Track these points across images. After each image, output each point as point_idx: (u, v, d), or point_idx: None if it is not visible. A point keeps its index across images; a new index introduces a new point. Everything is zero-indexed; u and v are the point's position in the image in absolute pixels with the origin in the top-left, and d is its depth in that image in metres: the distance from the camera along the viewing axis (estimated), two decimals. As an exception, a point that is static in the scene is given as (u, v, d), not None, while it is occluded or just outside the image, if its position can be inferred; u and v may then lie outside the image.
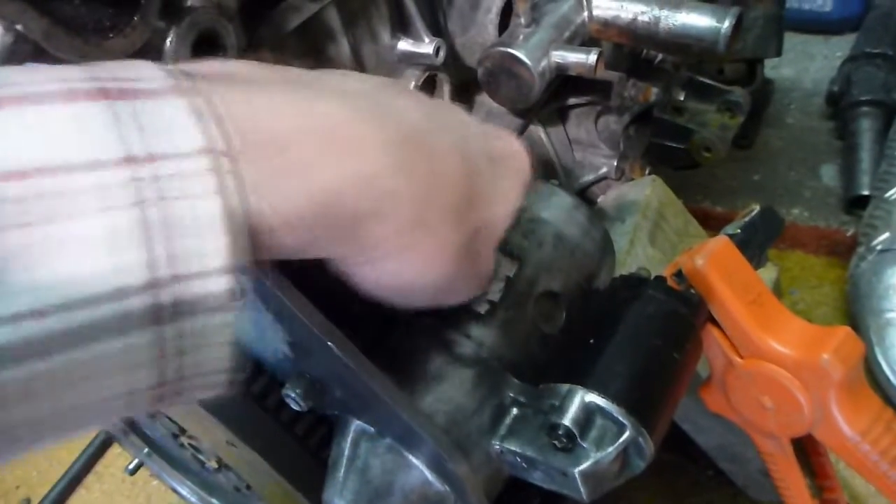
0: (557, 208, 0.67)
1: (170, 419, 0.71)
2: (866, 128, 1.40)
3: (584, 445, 0.52)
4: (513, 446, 0.54)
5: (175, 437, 0.78)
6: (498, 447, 0.55)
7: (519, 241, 0.64)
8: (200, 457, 0.78)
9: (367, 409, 0.52)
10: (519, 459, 0.55)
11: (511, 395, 0.56)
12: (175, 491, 0.97)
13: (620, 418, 0.52)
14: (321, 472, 0.57)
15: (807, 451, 0.68)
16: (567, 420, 0.52)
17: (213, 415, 0.56)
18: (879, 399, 0.61)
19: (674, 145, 1.03)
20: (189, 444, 0.77)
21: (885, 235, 1.11)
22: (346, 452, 0.55)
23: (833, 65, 1.60)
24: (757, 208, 0.72)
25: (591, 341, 0.57)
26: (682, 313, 0.58)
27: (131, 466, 0.93)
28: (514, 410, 0.56)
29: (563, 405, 0.53)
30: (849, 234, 1.31)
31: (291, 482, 0.58)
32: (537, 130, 0.90)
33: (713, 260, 0.62)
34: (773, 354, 0.60)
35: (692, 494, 1.06)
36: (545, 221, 0.66)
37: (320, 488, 0.57)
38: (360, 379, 0.49)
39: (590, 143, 0.97)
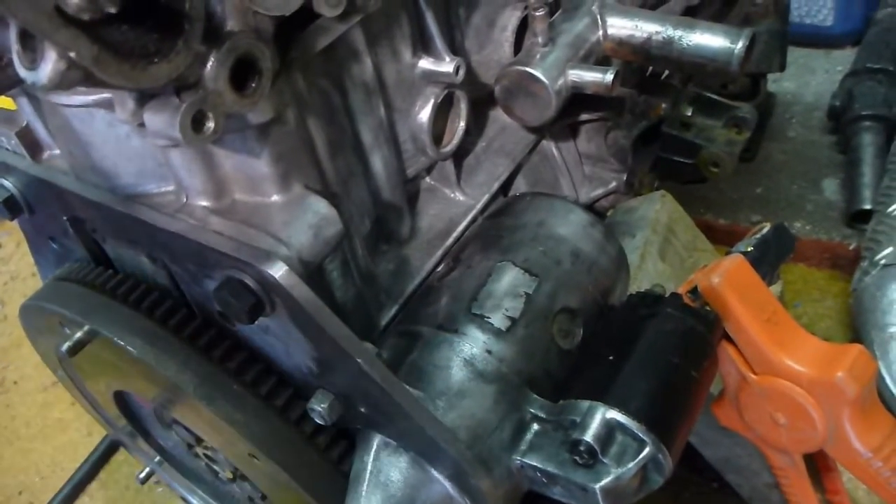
0: (574, 225, 0.69)
1: (187, 429, 0.72)
2: (868, 142, 1.42)
3: (605, 461, 0.53)
4: (534, 461, 0.55)
5: (190, 447, 0.78)
6: (519, 462, 0.56)
7: (537, 258, 0.65)
8: (215, 467, 0.79)
9: (390, 423, 0.53)
10: (539, 475, 0.56)
11: (531, 410, 0.57)
12: (185, 500, 0.98)
13: (641, 435, 0.53)
14: (342, 484, 0.58)
15: (817, 466, 0.69)
16: (589, 437, 0.53)
17: (235, 428, 0.57)
18: (891, 416, 0.62)
19: (682, 160, 1.04)
20: (204, 455, 0.78)
21: (889, 250, 1.12)
22: (369, 466, 0.56)
23: (834, 79, 1.62)
24: (768, 226, 0.73)
25: (611, 358, 0.57)
26: (699, 331, 0.59)
27: (142, 475, 0.94)
28: (535, 426, 0.57)
29: (585, 421, 0.53)
30: (851, 247, 1.33)
31: (312, 495, 0.58)
32: (549, 145, 0.91)
33: (728, 278, 0.63)
34: (787, 372, 0.61)
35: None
36: (562, 238, 0.67)
37: (341, 501, 0.58)
38: (385, 394, 0.50)
39: (599, 157, 0.98)
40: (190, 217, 0.52)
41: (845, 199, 1.43)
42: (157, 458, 0.91)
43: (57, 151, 0.61)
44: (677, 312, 0.59)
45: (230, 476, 0.77)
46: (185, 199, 0.53)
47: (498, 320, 0.60)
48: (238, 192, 0.53)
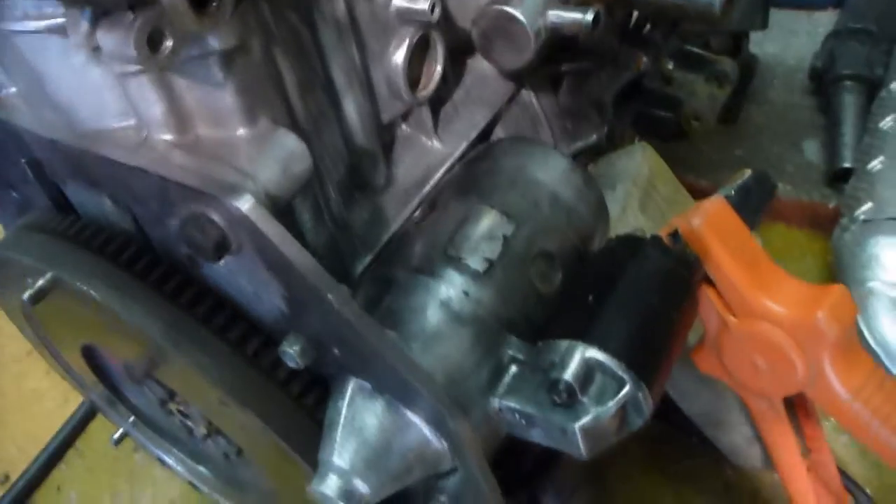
0: (553, 170, 0.67)
1: (159, 383, 0.70)
2: (849, 102, 1.41)
3: (584, 401, 0.52)
4: (512, 403, 0.54)
5: (163, 403, 0.76)
6: (497, 405, 0.55)
7: (515, 202, 0.64)
8: (189, 423, 0.77)
9: (365, 366, 0.51)
10: (518, 417, 0.55)
11: (510, 353, 0.56)
12: (161, 461, 0.96)
13: (620, 373, 0.52)
14: (317, 432, 0.57)
15: (797, 412, 0.69)
16: (567, 375, 0.51)
17: (205, 374, 0.55)
18: (871, 358, 0.61)
19: (663, 114, 1.03)
20: (178, 411, 0.76)
21: (868, 206, 1.12)
22: (344, 412, 0.54)
23: (816, 41, 1.60)
24: (749, 172, 0.72)
25: (590, 299, 0.56)
26: (679, 272, 0.58)
27: (116, 436, 0.92)
28: (513, 368, 0.56)
29: (564, 361, 0.52)
30: (831, 206, 1.32)
31: (287, 442, 0.57)
32: (529, 96, 0.89)
33: (709, 220, 0.62)
34: (767, 313, 0.61)
35: (676, 461, 1.07)
36: (541, 183, 0.66)
37: (316, 449, 0.57)
38: (358, 335, 0.48)
39: (579, 110, 0.96)
40: (152, 152, 0.50)
41: (826, 160, 1.43)
42: (132, 418, 0.89)
43: (13, 90, 0.58)
44: (657, 254, 0.58)
45: (204, 432, 0.75)
46: (146, 134, 0.51)
47: (475, 262, 0.59)
48: (202, 127, 0.51)
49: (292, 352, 0.52)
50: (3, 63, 0.56)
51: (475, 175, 0.67)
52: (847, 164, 1.32)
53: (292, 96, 0.54)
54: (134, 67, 0.46)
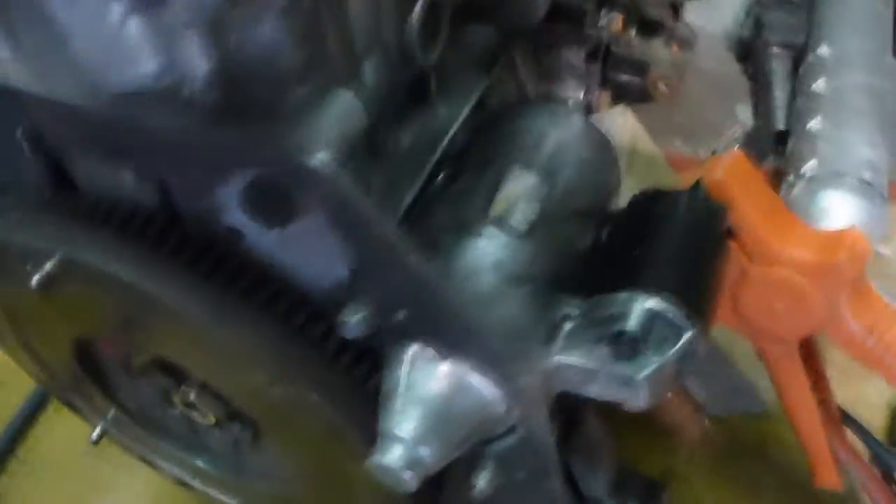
0: (576, 129, 0.67)
1: (170, 372, 0.66)
2: (778, 68, 1.49)
3: (647, 351, 0.53)
4: (572, 360, 0.54)
5: (165, 394, 0.72)
6: (555, 363, 0.55)
7: (545, 162, 0.63)
8: (193, 415, 0.73)
9: (435, 329, 0.50)
10: (576, 374, 0.55)
11: (563, 310, 0.56)
12: (144, 459, 0.91)
13: (680, 322, 0.53)
14: (370, 405, 0.55)
15: (803, 355, 0.73)
16: (632, 326, 0.52)
17: (254, 353, 0.52)
18: (881, 296, 0.65)
19: (630, 79, 1.05)
20: (182, 402, 0.72)
21: (812, 163, 1.19)
22: (404, 380, 0.53)
23: (737, 10, 1.69)
24: (739, 128, 0.75)
25: (635, 252, 0.57)
26: (715, 222, 0.60)
27: (94, 435, 0.85)
28: (567, 325, 0.56)
29: (625, 313, 0.53)
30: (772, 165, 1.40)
31: (342, 418, 0.55)
32: (515, 60, 0.89)
33: (732, 172, 0.64)
34: (789, 259, 0.63)
35: (657, 415, 1.11)
36: (567, 142, 0.66)
37: (369, 421, 0.55)
38: (435, 295, 0.47)
39: (556, 75, 0.97)
40: (201, 115, 0.46)
41: (759, 123, 1.51)
42: (111, 414, 0.83)
43: (6, 54, 0.52)
44: (694, 205, 0.60)
45: (213, 421, 0.71)
46: (189, 94, 0.47)
47: (518, 223, 0.58)
48: (252, 84, 0.47)
49: (354, 321, 0.50)
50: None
51: (498, 138, 0.66)
52: (782, 127, 1.39)
53: (338, 56, 0.51)
54: (185, 20, 0.43)
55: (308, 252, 0.50)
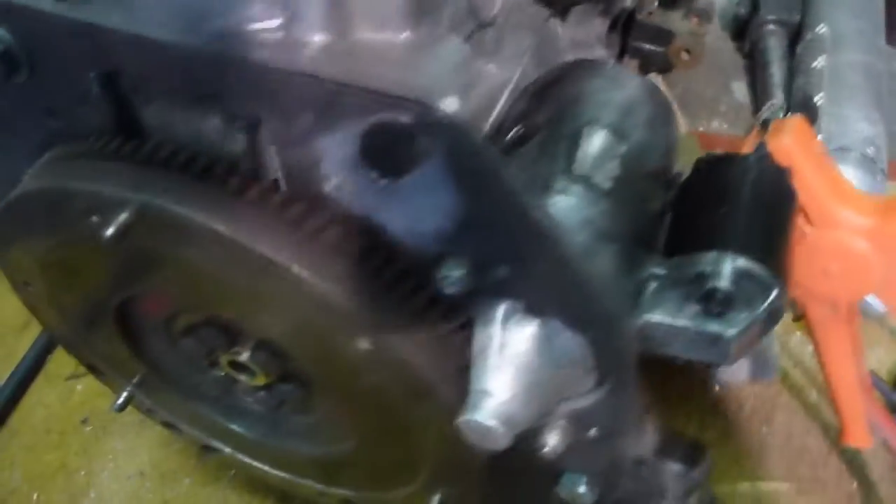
0: (640, 89, 0.67)
1: (224, 330, 0.63)
2: (775, 46, 1.52)
3: (736, 309, 0.53)
4: (660, 318, 0.54)
5: (210, 353, 0.69)
6: (643, 321, 0.55)
7: (617, 122, 0.63)
8: (239, 376, 0.71)
9: (535, 284, 0.49)
10: (664, 332, 0.55)
11: (648, 269, 0.56)
12: (167, 425, 0.88)
13: (767, 279, 0.54)
14: (455, 362, 0.54)
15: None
16: (724, 284, 0.52)
17: (345, 308, 0.51)
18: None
19: (653, 48, 1.06)
20: (229, 363, 0.69)
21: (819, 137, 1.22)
22: (497, 337, 0.52)
23: (731, -11, 1.71)
24: (776, 100, 0.76)
25: (718, 211, 0.57)
26: (787, 183, 0.61)
27: (121, 402, 0.82)
28: (652, 284, 0.56)
29: (715, 271, 0.53)
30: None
31: (430, 377, 0.54)
32: (555, 24, 0.88)
33: (796, 136, 0.64)
34: (849, 223, 0.65)
35: (663, 383, 1.13)
36: (634, 102, 0.66)
37: (454, 379, 0.54)
38: (550, 246, 0.46)
39: (585, 42, 0.96)
40: (315, 56, 0.44)
41: (754, 99, 1.53)
42: (138, 378, 0.80)
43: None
44: (767, 167, 0.60)
45: (261, 382, 0.70)
46: (296, 36, 0.45)
47: (601, 181, 0.58)
48: (363, 29, 0.45)
49: (456, 276, 0.49)
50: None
51: (565, 98, 0.65)
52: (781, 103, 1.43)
53: (441, 3, 0.49)
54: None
55: (408, 205, 0.48)
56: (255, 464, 0.85)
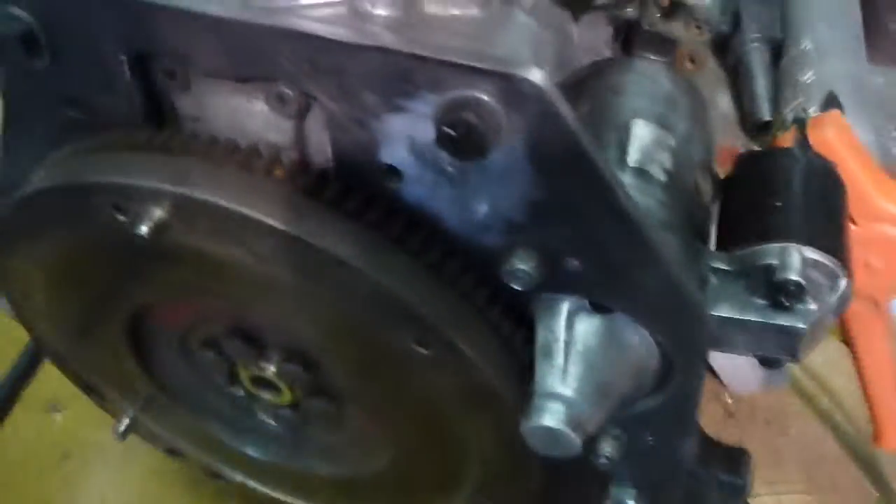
0: (679, 85, 0.66)
1: (250, 341, 0.59)
2: (759, 61, 1.54)
3: (806, 301, 0.51)
4: (725, 313, 0.52)
5: (230, 368, 0.64)
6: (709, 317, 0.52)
7: (663, 114, 0.61)
8: (262, 394, 0.66)
9: (613, 278, 0.46)
10: (730, 327, 0.52)
11: (708, 262, 0.54)
12: (173, 453, 0.82)
13: (836, 270, 0.52)
14: (516, 362, 0.51)
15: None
16: (795, 275, 0.50)
17: (404, 304, 0.47)
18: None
19: (656, 58, 1.05)
20: (250, 379, 0.65)
21: (812, 148, 1.24)
22: (562, 335, 0.49)
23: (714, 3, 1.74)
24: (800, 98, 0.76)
25: (776, 204, 0.55)
26: (837, 174, 0.60)
27: (122, 428, 0.76)
28: (713, 279, 0.54)
29: (784, 263, 0.51)
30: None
31: (495, 379, 0.50)
32: (572, 30, 0.86)
33: (838, 130, 0.64)
34: (893, 216, 0.64)
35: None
36: (675, 97, 0.64)
37: (513, 379, 0.51)
38: (636, 232, 0.43)
39: (595, 48, 0.95)
40: (383, 30, 0.41)
41: (741, 111, 1.55)
42: (142, 402, 0.75)
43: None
44: (816, 160, 0.59)
45: (289, 399, 0.65)
46: (359, 9, 0.42)
47: (656, 172, 0.56)
48: (430, 2, 0.43)
49: (527, 268, 0.46)
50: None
51: (607, 90, 0.63)
52: (768, 117, 1.44)
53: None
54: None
55: (476, 192, 0.45)
56: (266, 490, 0.80)
